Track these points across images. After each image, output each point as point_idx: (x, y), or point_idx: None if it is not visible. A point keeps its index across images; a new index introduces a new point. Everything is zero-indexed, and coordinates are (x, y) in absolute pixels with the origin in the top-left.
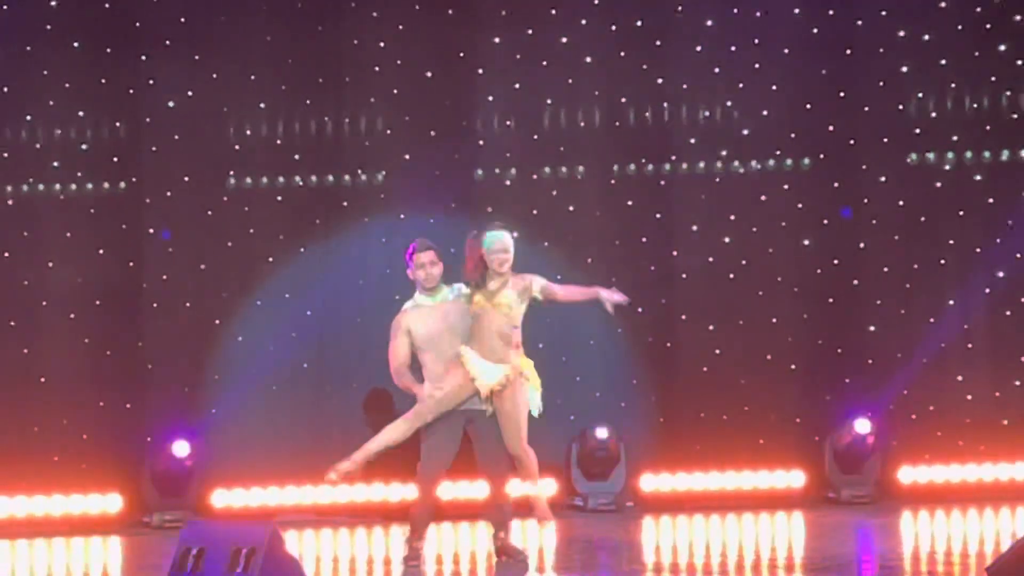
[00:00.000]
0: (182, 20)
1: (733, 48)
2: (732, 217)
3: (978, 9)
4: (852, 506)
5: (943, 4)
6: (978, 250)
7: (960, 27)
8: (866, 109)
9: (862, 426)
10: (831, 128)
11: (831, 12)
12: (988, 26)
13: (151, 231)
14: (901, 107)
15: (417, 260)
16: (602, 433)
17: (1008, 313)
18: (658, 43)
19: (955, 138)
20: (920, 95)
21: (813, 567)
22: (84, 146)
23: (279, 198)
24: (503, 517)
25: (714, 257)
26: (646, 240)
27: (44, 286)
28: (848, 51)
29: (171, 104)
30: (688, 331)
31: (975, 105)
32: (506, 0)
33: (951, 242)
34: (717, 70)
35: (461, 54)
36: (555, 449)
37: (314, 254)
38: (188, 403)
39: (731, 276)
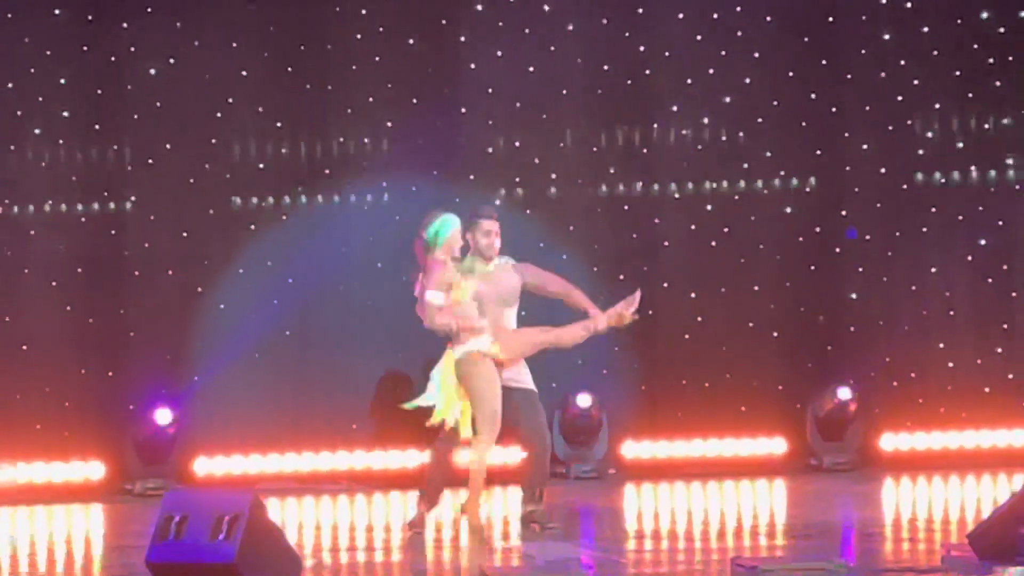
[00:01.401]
0: None
1: (716, 16)
2: (714, 184)
3: None
4: (834, 473)
5: None
6: (960, 218)
7: None
8: (848, 77)
9: (844, 393)
10: (813, 96)
11: None
12: None
13: (132, 198)
14: (883, 75)
15: (482, 227)
16: (584, 401)
17: (990, 281)
18: (640, 10)
19: (937, 106)
20: (902, 63)
21: (795, 534)
22: (66, 113)
23: (261, 166)
24: (533, 484)
25: (696, 225)
26: (628, 208)
27: (26, 254)
28: (830, 19)
29: (153, 71)
30: (670, 299)
31: (957, 72)
32: None
33: (933, 210)
34: (699, 37)
35: (443, 21)
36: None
37: (296, 222)
38: (170, 371)
39: (713, 244)
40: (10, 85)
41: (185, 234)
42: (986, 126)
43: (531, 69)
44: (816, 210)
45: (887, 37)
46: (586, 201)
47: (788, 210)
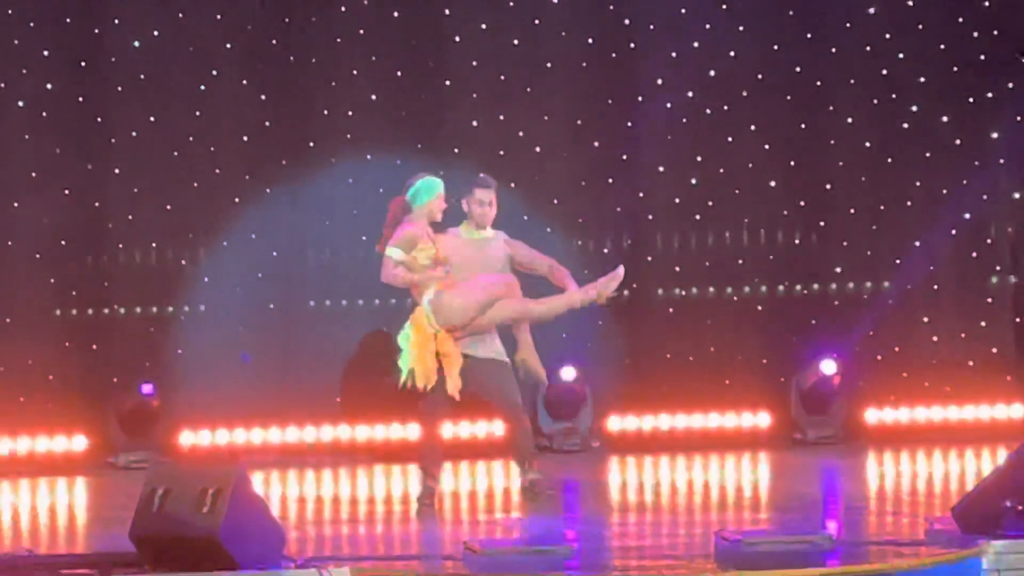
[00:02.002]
0: None
1: None
2: (699, 158)
3: None
4: (818, 447)
5: None
6: (944, 191)
7: None
8: (833, 50)
9: (828, 367)
10: (798, 69)
11: None
12: None
13: (116, 171)
14: (868, 48)
15: (477, 196)
16: (568, 374)
17: (974, 255)
18: None
19: (922, 79)
20: (887, 36)
21: (778, 507)
22: (49, 86)
23: (245, 138)
24: (522, 455)
25: (680, 198)
26: (612, 181)
27: (9, 226)
28: None
29: (136, 44)
30: (654, 272)
31: (942, 46)
32: None
33: (917, 183)
34: (684, 10)
35: None
36: (521, 390)
37: (280, 195)
38: (154, 344)
39: (697, 217)
40: None
41: (169, 207)
42: (971, 99)
43: (515, 42)
44: (800, 183)
45: (872, 11)
46: (570, 174)
47: (772, 183)
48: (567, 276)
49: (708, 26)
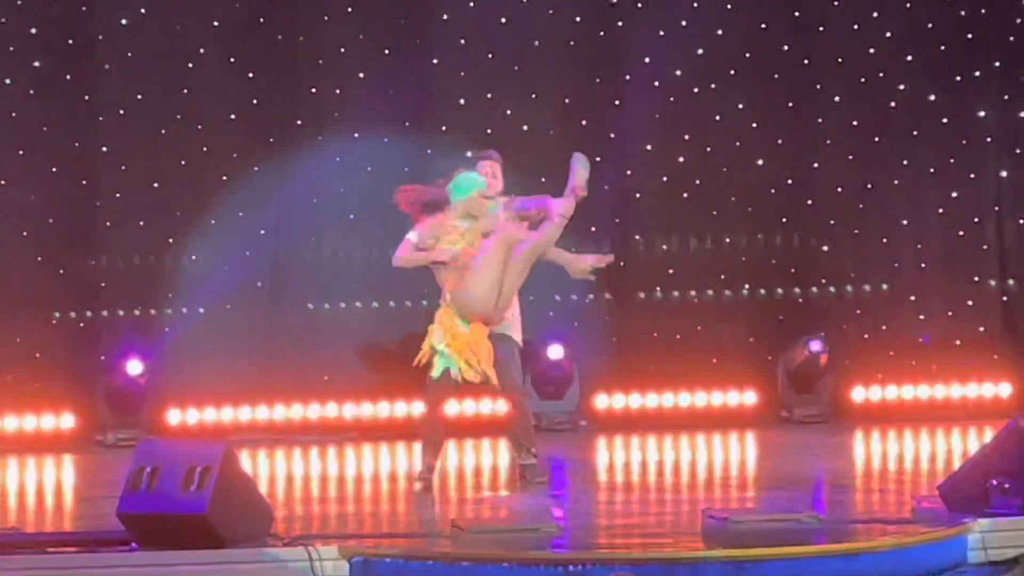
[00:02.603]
0: None
1: None
2: (686, 136)
3: None
4: (805, 425)
5: None
6: (932, 170)
7: None
8: (820, 29)
9: (815, 345)
10: (786, 48)
11: None
12: None
13: (103, 148)
14: (856, 27)
15: (480, 167)
16: (556, 352)
17: (961, 233)
18: None
19: (909, 58)
20: (875, 15)
21: (766, 485)
22: (37, 63)
23: (232, 116)
24: (520, 440)
25: (668, 176)
26: (600, 159)
27: None
28: None
29: (124, 21)
30: (642, 251)
31: (930, 25)
32: None
33: (905, 162)
34: None
35: None
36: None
37: (268, 172)
38: (142, 322)
39: (685, 195)
40: None
41: (156, 184)
42: (958, 78)
43: (503, 21)
44: (788, 162)
45: None
46: (558, 153)
47: (760, 162)
48: (548, 203)
49: (695, 4)
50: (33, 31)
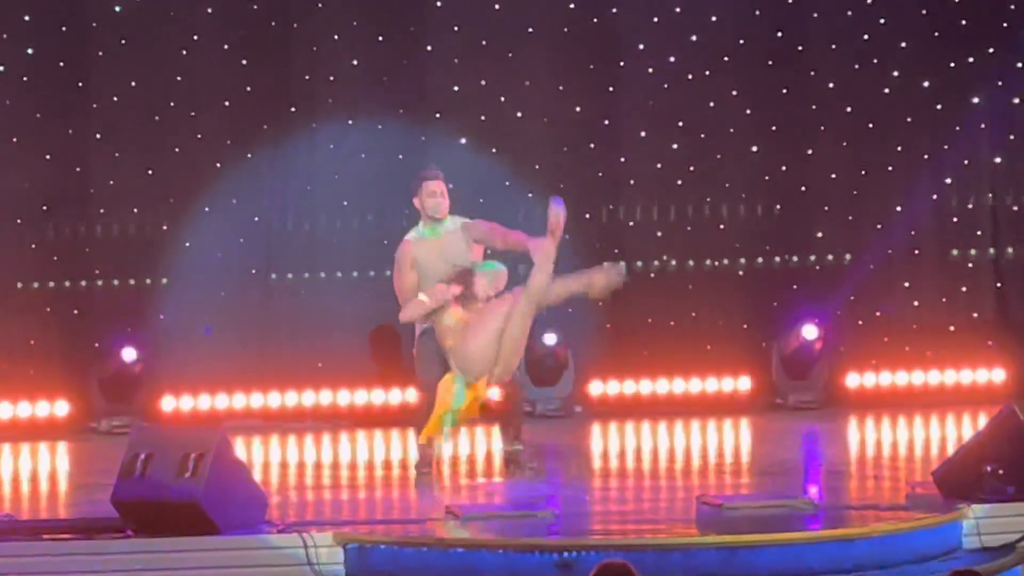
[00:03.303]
0: None
1: None
2: (680, 123)
3: None
4: (799, 411)
5: None
6: (926, 156)
7: None
8: (815, 16)
9: (809, 332)
10: (779, 34)
11: None
12: None
13: (97, 136)
14: (850, 13)
15: (427, 188)
16: (550, 339)
17: (955, 220)
18: None
19: (903, 44)
20: (869, 1)
21: (760, 472)
22: (30, 51)
23: (226, 103)
24: (510, 427)
25: (662, 163)
26: (594, 146)
27: None
28: None
29: (117, 8)
30: (636, 237)
31: (923, 11)
32: None
33: (899, 148)
34: None
35: None
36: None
37: (262, 160)
38: (136, 309)
39: (679, 182)
40: None
41: (150, 172)
42: (952, 64)
43: (497, 7)
44: (782, 149)
45: None
46: (552, 140)
47: (754, 148)
48: (525, 239)
49: None
50: (26, 18)
